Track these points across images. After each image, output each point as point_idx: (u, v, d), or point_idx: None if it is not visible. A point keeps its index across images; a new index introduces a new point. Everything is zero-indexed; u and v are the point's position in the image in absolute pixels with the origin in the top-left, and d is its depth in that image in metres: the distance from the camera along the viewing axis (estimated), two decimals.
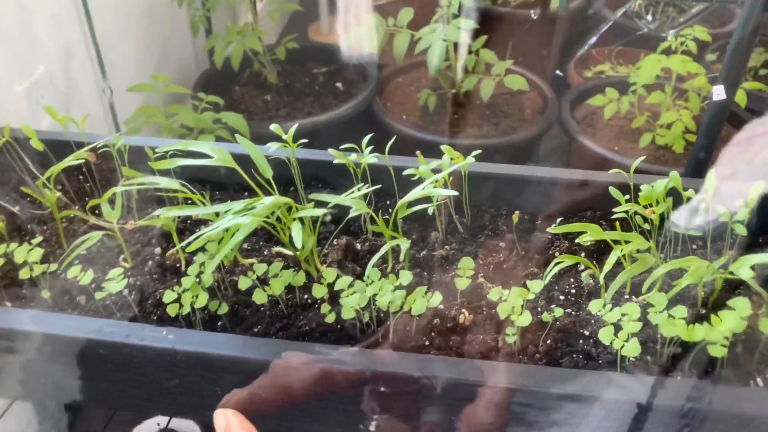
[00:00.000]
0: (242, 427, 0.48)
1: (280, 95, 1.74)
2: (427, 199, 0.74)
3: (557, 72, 2.08)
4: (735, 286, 0.70)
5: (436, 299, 0.64)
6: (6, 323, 0.66)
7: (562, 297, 0.72)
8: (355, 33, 1.68)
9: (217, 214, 0.68)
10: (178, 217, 0.82)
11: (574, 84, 1.90)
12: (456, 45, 1.59)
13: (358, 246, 0.78)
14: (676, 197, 0.72)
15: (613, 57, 2.01)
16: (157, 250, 0.79)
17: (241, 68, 1.70)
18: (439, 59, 1.52)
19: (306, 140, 0.81)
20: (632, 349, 0.60)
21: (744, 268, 0.60)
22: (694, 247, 0.77)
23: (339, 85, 1.80)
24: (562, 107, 1.69)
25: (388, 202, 0.85)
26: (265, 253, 0.79)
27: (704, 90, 1.54)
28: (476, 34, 1.60)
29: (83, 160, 0.74)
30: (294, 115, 1.65)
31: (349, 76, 1.83)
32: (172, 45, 1.76)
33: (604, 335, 0.61)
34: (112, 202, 0.75)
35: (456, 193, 0.69)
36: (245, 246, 0.80)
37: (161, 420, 1.24)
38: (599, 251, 0.76)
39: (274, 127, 0.75)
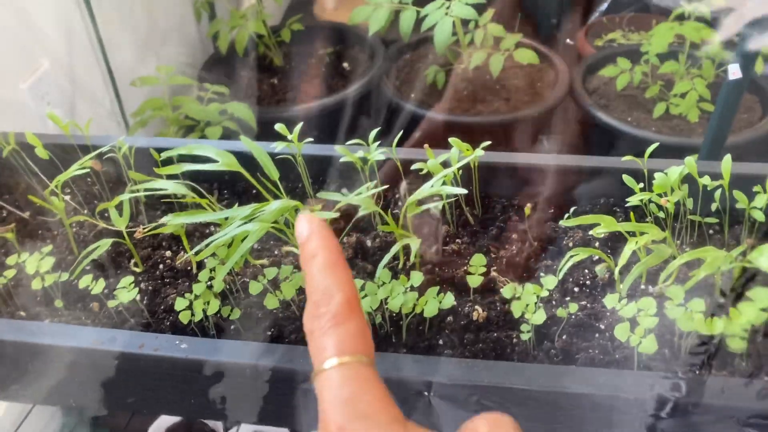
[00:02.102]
0: (325, 235, 0.43)
1: (287, 78, 1.72)
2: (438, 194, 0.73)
3: (567, 41, 2.04)
4: (754, 275, 0.68)
5: (449, 300, 0.63)
6: (19, 336, 0.66)
7: (576, 289, 0.71)
8: (361, 10, 1.64)
9: (226, 219, 0.68)
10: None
11: (585, 53, 1.85)
12: (463, 20, 1.55)
13: (369, 243, 0.78)
14: (691, 184, 0.70)
15: (625, 24, 1.96)
16: (168, 253, 0.79)
17: (245, 52, 1.68)
18: (446, 36, 1.49)
19: (311, 130, 0.80)
20: (649, 346, 0.59)
21: (763, 257, 0.59)
22: (711, 232, 0.76)
23: (346, 65, 1.77)
24: (573, 79, 1.65)
25: (397, 195, 0.84)
26: (275, 252, 0.78)
27: (719, 57, 1.50)
28: (483, 8, 1.56)
29: (89, 168, 0.74)
30: (301, 98, 1.63)
31: (355, 56, 1.80)
32: (176, 31, 1.74)
33: (620, 332, 0.61)
34: (120, 207, 0.75)
35: (465, 191, 0.68)
36: (255, 246, 0.80)
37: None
38: (613, 239, 0.75)
39: (279, 127, 0.74)
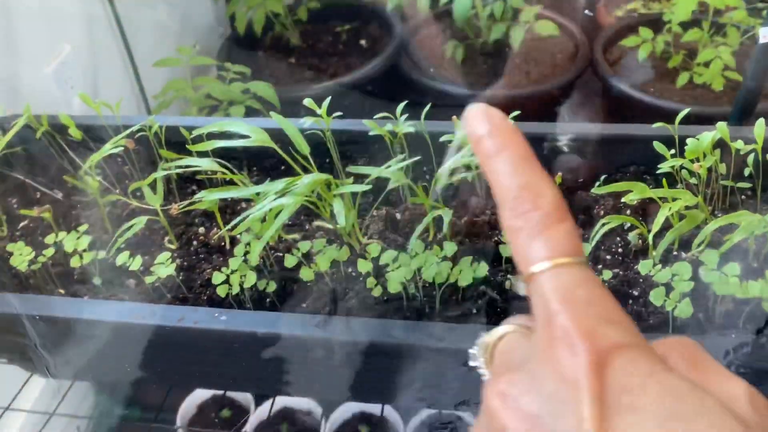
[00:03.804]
0: (512, 129, 0.36)
1: (305, 57, 1.72)
2: (466, 166, 0.73)
3: (587, 12, 2.01)
4: None
5: (483, 270, 0.64)
6: (61, 312, 0.68)
7: (609, 257, 0.71)
8: None
9: (258, 194, 0.68)
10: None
11: (605, 24, 1.83)
12: None
13: (398, 216, 0.78)
14: (723, 149, 0.70)
15: None
16: (201, 229, 0.80)
17: (263, 32, 1.67)
18: (465, 8, 1.48)
19: (337, 105, 0.80)
20: (685, 310, 0.59)
21: None
22: (744, 197, 0.75)
23: (363, 42, 1.76)
24: (594, 50, 1.64)
25: (425, 168, 0.85)
26: (306, 227, 0.79)
27: (744, 24, 1.48)
28: None
29: (122, 147, 0.75)
30: (319, 77, 1.63)
31: (373, 33, 1.79)
32: (194, 13, 1.74)
33: (655, 297, 0.61)
34: (153, 185, 0.76)
35: None
36: (287, 221, 0.80)
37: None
38: (644, 207, 0.75)
39: (307, 101, 0.74)
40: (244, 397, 1.29)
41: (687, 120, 0.72)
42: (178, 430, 1.21)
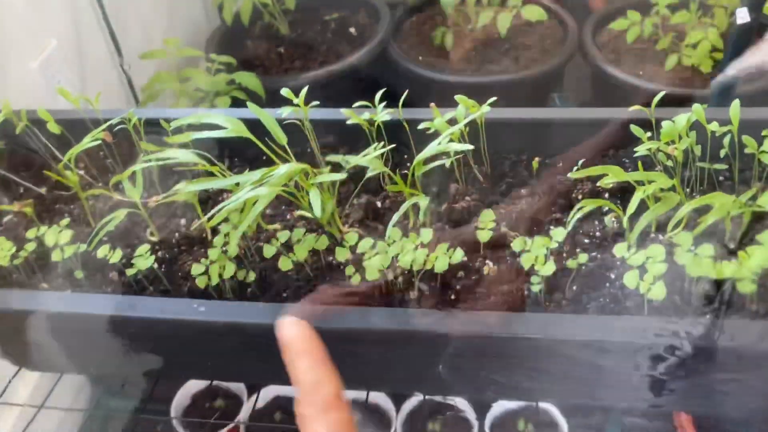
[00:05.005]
0: (311, 335, 0.51)
1: (293, 46, 1.72)
2: (444, 153, 0.74)
3: None
4: (764, 220, 0.68)
5: (458, 255, 0.64)
6: (41, 305, 0.68)
7: (586, 241, 0.71)
8: None
9: (237, 185, 0.69)
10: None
11: (594, 8, 1.82)
12: None
13: (378, 204, 0.78)
14: (700, 132, 0.70)
15: None
16: (182, 221, 0.80)
17: (251, 22, 1.67)
18: None
19: (319, 98, 0.80)
20: (658, 292, 0.59)
21: None
22: (721, 179, 0.75)
23: (352, 30, 1.76)
24: (583, 34, 1.63)
25: (405, 156, 0.85)
26: (288, 217, 0.79)
27: (731, 5, 1.47)
28: None
29: (101, 140, 0.75)
30: (308, 66, 1.63)
31: (361, 20, 1.79)
32: (181, 4, 1.73)
33: (629, 279, 0.61)
34: (133, 178, 0.76)
35: (471, 147, 0.68)
36: (268, 212, 0.81)
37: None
38: (623, 191, 0.75)
39: (285, 91, 0.75)
40: (238, 387, 1.30)
41: (675, 102, 0.72)
42: (173, 420, 1.22)
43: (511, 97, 1.57)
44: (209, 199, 0.83)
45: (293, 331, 0.51)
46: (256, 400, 1.26)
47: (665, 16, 1.54)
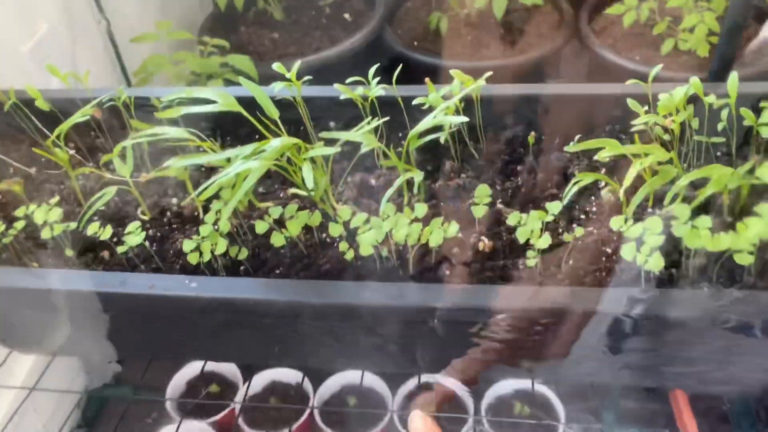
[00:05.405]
0: (432, 428, 0.57)
1: (288, 32, 1.70)
2: (439, 128, 0.73)
3: None
4: (762, 193, 0.67)
5: (453, 229, 0.63)
6: (32, 283, 0.67)
7: (583, 216, 0.70)
8: None
9: (228, 160, 0.68)
10: (192, 166, 0.82)
11: None
12: None
13: (373, 181, 0.78)
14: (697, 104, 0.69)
15: None
16: (174, 200, 0.79)
17: (245, 7, 1.65)
18: None
19: (311, 77, 0.80)
20: (655, 264, 0.59)
21: None
22: (719, 154, 0.75)
23: (347, 15, 1.74)
24: (579, 19, 1.62)
25: (400, 134, 0.84)
26: (281, 195, 0.79)
27: None
28: None
29: (90, 117, 0.74)
30: (303, 52, 1.61)
31: (356, 6, 1.77)
32: None
33: (626, 251, 0.60)
34: (124, 156, 0.75)
35: (466, 119, 0.67)
36: (261, 189, 0.80)
37: (200, 365, 1.28)
38: (620, 166, 0.74)
39: (276, 65, 0.73)
40: (233, 373, 1.29)
41: (671, 87, 0.71)
42: (166, 402, 1.22)
43: (507, 83, 1.56)
44: (202, 179, 0.82)
45: (419, 424, 0.57)
46: (248, 387, 1.25)
47: (662, 0, 1.53)
